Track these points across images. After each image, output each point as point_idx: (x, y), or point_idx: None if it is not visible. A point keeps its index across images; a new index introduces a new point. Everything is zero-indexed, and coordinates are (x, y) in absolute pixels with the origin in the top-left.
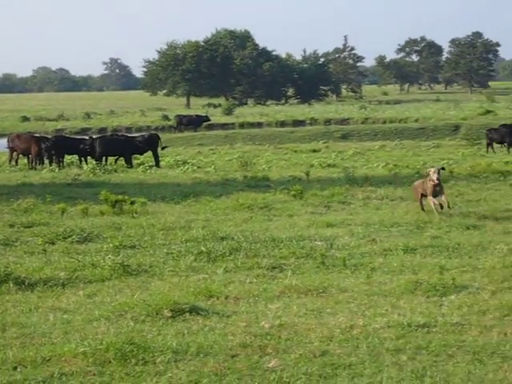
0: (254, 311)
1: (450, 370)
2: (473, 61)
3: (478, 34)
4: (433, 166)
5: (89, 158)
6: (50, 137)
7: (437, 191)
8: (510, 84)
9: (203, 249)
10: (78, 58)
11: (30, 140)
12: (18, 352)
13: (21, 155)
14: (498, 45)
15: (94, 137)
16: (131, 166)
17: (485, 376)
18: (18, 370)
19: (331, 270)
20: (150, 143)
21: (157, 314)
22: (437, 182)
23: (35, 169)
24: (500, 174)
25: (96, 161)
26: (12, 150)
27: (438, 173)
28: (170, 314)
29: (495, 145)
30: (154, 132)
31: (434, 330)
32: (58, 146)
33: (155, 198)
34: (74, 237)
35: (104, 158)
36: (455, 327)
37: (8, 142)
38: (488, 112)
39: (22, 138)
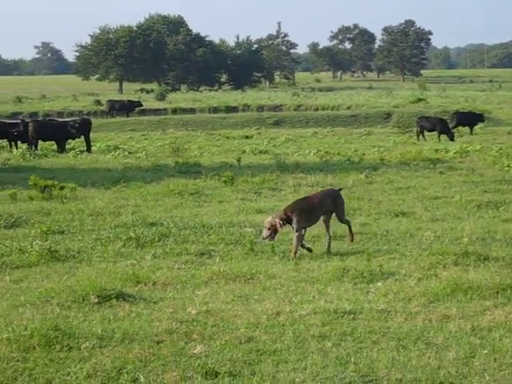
0: (182, 297)
1: (374, 357)
2: (405, 49)
3: (410, 22)
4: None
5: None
6: None
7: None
8: (441, 72)
9: (132, 235)
10: (9, 41)
11: None
12: None
13: None
14: (430, 33)
15: (26, 120)
16: (64, 151)
17: (408, 362)
18: None
19: (260, 256)
20: (83, 128)
21: (83, 300)
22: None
23: None
24: (430, 162)
25: (29, 145)
26: None
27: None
28: (96, 300)
29: (427, 133)
30: (86, 117)
31: (359, 316)
32: None
33: (85, 183)
34: (1, 222)
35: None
36: (381, 314)
37: None
38: (420, 100)
39: None
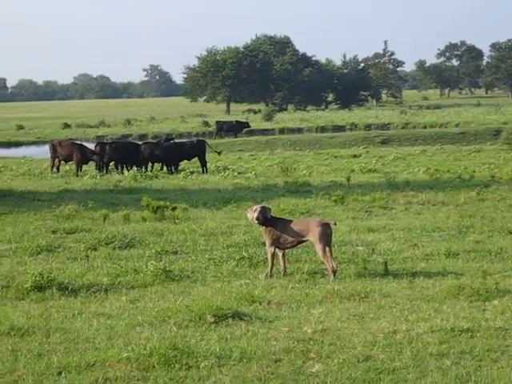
0: (297, 316)
1: (495, 375)
2: None
3: None
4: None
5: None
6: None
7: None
8: None
9: (245, 254)
10: (118, 64)
11: (72, 147)
12: (62, 357)
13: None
14: None
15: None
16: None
17: None
18: (63, 375)
19: (373, 275)
20: (198, 149)
21: (200, 319)
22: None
23: (77, 175)
24: None
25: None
26: (54, 157)
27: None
28: (212, 320)
29: None
30: (201, 138)
31: (477, 334)
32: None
33: (196, 203)
34: (116, 243)
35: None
36: (499, 332)
37: (50, 149)
38: None
39: (64, 146)
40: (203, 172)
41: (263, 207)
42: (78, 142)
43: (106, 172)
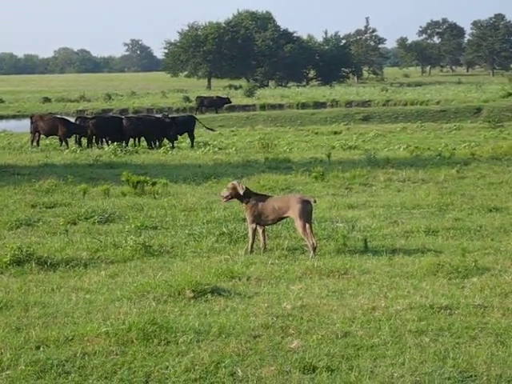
0: (276, 292)
1: (473, 352)
2: (495, 43)
3: (500, 16)
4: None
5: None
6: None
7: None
8: None
9: (225, 230)
10: (99, 39)
11: (56, 121)
12: (40, 332)
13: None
14: None
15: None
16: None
17: (508, 358)
18: (41, 349)
19: (353, 251)
20: (188, 124)
21: (179, 294)
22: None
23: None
24: None
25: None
26: (35, 131)
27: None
28: (192, 295)
29: None
30: (191, 114)
31: (456, 311)
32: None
33: (176, 179)
34: (95, 217)
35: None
36: (477, 309)
37: (31, 123)
38: (510, 94)
39: (47, 120)
40: (192, 147)
41: (233, 184)
42: (60, 116)
43: (90, 146)
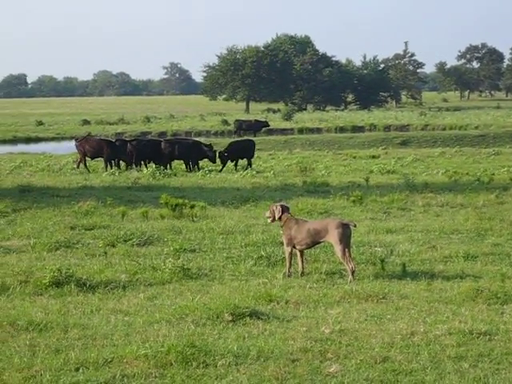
0: (314, 316)
1: None
2: None
3: None
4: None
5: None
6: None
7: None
8: None
9: (263, 253)
10: (138, 62)
11: (101, 143)
12: (79, 353)
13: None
14: None
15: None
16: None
17: None
18: (80, 371)
19: (391, 276)
20: (248, 149)
21: (217, 317)
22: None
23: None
24: None
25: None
26: (82, 153)
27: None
28: (230, 318)
29: None
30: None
31: (495, 337)
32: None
33: (215, 202)
34: (134, 240)
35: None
36: None
37: (77, 145)
38: None
39: (93, 142)
40: (249, 168)
41: (282, 205)
42: (107, 139)
43: (129, 169)
